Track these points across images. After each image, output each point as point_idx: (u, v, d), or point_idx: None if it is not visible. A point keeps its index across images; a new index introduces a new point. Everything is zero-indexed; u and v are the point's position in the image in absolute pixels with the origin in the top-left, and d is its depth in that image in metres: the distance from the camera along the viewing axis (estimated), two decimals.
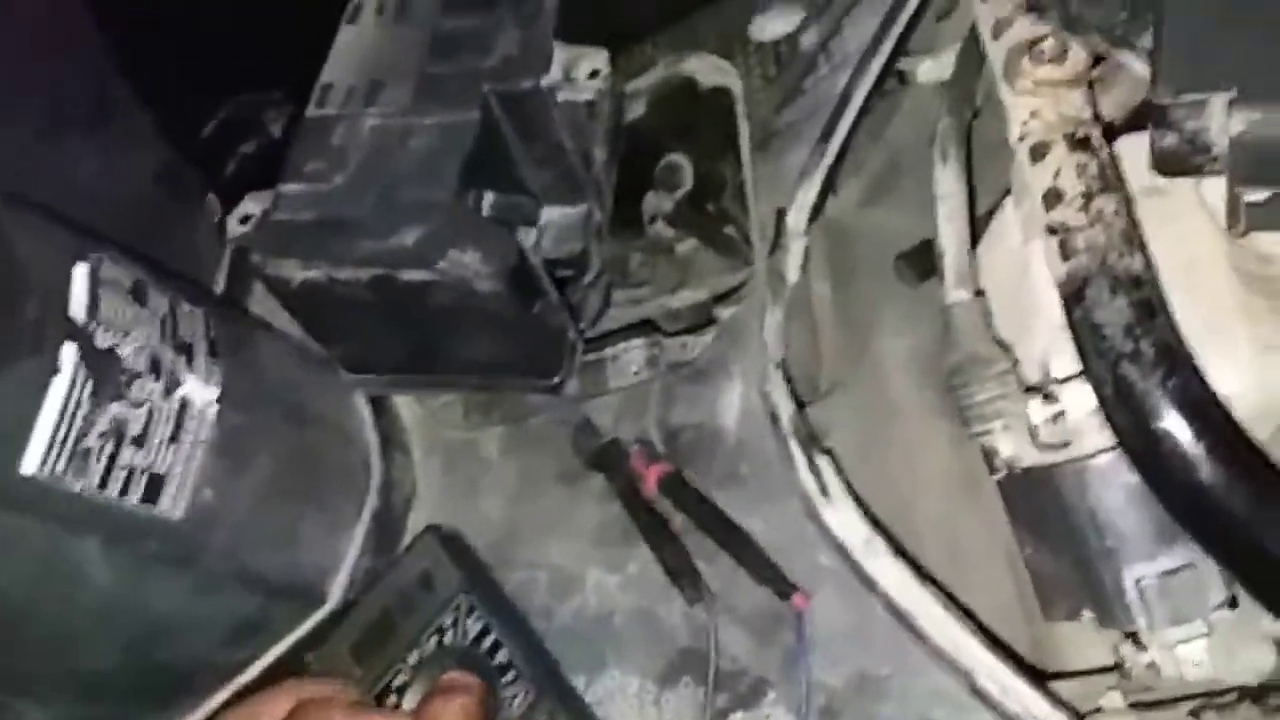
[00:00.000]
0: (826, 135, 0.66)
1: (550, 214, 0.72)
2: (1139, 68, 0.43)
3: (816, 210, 0.66)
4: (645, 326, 0.74)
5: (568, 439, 0.71)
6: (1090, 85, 0.42)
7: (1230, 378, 0.43)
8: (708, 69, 0.75)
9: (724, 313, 0.71)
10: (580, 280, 0.73)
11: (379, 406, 0.75)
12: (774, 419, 0.62)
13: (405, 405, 0.77)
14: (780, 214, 0.66)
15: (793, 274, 0.66)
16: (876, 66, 0.65)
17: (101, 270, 0.60)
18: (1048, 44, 0.42)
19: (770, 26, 0.72)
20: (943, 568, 0.60)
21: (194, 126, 1.10)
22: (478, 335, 0.67)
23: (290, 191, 0.65)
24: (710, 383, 0.67)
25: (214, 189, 0.97)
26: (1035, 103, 0.42)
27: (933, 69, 0.65)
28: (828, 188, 0.66)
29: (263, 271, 0.66)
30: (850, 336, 0.71)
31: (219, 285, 0.79)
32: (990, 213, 0.57)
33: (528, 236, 0.66)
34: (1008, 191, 0.53)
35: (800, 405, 0.65)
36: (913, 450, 0.65)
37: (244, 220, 0.67)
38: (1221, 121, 0.38)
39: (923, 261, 0.67)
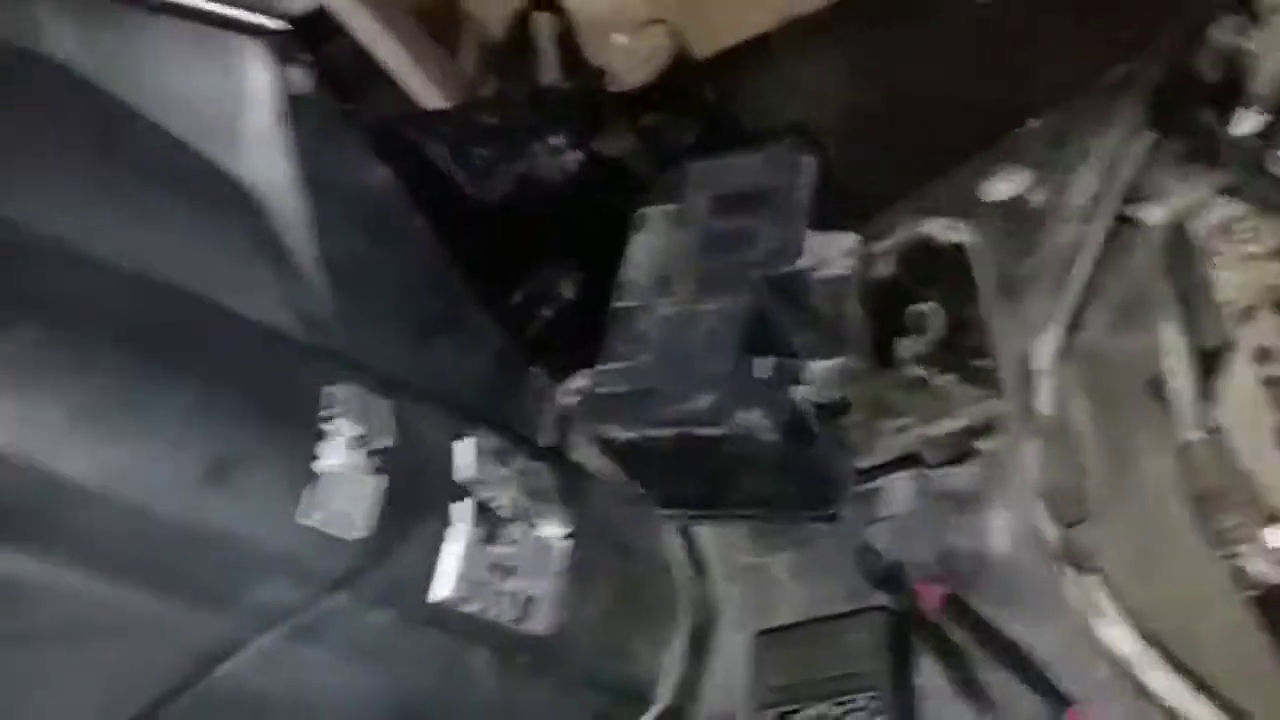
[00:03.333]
0: (1064, 282, 0.73)
1: (815, 367, 0.84)
2: None
3: (1063, 351, 0.73)
4: (909, 460, 0.83)
5: (850, 563, 0.80)
6: None
7: None
8: (943, 229, 0.85)
9: (984, 445, 0.79)
10: (844, 420, 0.83)
11: (685, 537, 0.89)
12: (1042, 544, 0.68)
13: (706, 535, 0.90)
14: (1027, 359, 0.73)
15: (1045, 408, 0.72)
16: (1105, 218, 0.72)
17: (480, 442, 0.79)
18: (1244, 225, 0.49)
19: (1000, 188, 0.81)
20: (1231, 681, 0.62)
21: (506, 303, 1.32)
22: (763, 475, 0.79)
23: (608, 369, 0.82)
24: (978, 511, 0.75)
25: (530, 349, 1.15)
26: (1238, 273, 0.49)
27: (1156, 213, 0.71)
28: (1072, 329, 0.73)
29: (593, 434, 0.82)
30: (1113, 458, 0.75)
31: (549, 441, 0.97)
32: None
33: (798, 392, 0.78)
34: None
35: (1069, 525, 0.70)
36: (1192, 569, 0.66)
37: (574, 393, 0.85)
38: None
39: None
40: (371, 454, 0.68)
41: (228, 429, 0.64)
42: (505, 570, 0.75)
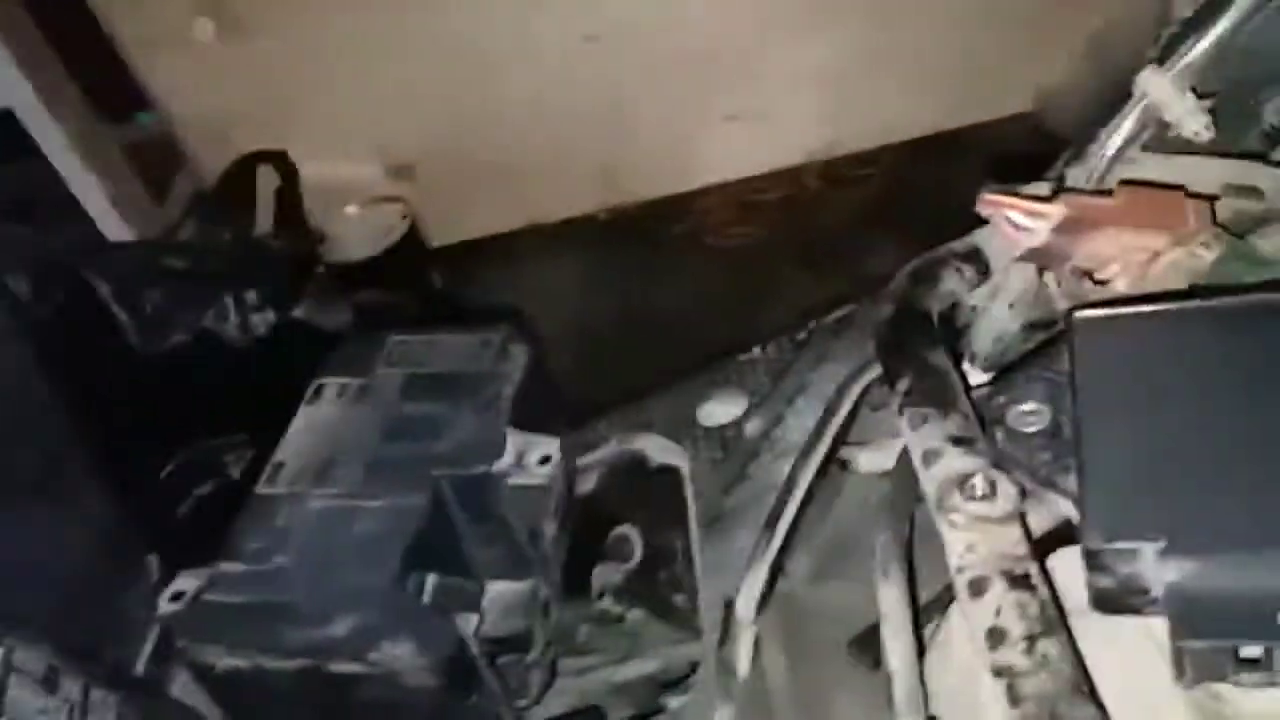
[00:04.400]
0: (772, 522, 0.67)
1: (495, 590, 0.70)
2: (1067, 507, 0.45)
3: (764, 598, 0.65)
4: (591, 713, 0.70)
5: None
6: (1023, 517, 0.44)
7: None
8: (657, 448, 0.78)
9: (673, 702, 0.68)
10: (523, 658, 0.70)
11: None
12: None
13: None
14: (729, 605, 0.65)
15: (743, 667, 0.63)
16: (817, 457, 0.67)
17: (14, 657, 0.57)
18: (977, 480, 0.44)
19: (715, 413, 0.76)
20: None
21: (149, 474, 1.10)
22: None
23: (226, 572, 0.64)
24: None
25: (165, 533, 0.95)
26: (970, 537, 0.43)
27: (871, 459, 0.68)
28: (775, 574, 0.66)
29: (186, 655, 0.62)
30: None
31: (142, 660, 0.75)
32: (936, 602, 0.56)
33: (468, 622, 0.64)
34: (950, 596, 0.53)
35: None
36: None
37: (175, 598, 0.65)
38: (1155, 568, 0.38)
39: (876, 646, 0.65)
40: None
41: None
42: None
